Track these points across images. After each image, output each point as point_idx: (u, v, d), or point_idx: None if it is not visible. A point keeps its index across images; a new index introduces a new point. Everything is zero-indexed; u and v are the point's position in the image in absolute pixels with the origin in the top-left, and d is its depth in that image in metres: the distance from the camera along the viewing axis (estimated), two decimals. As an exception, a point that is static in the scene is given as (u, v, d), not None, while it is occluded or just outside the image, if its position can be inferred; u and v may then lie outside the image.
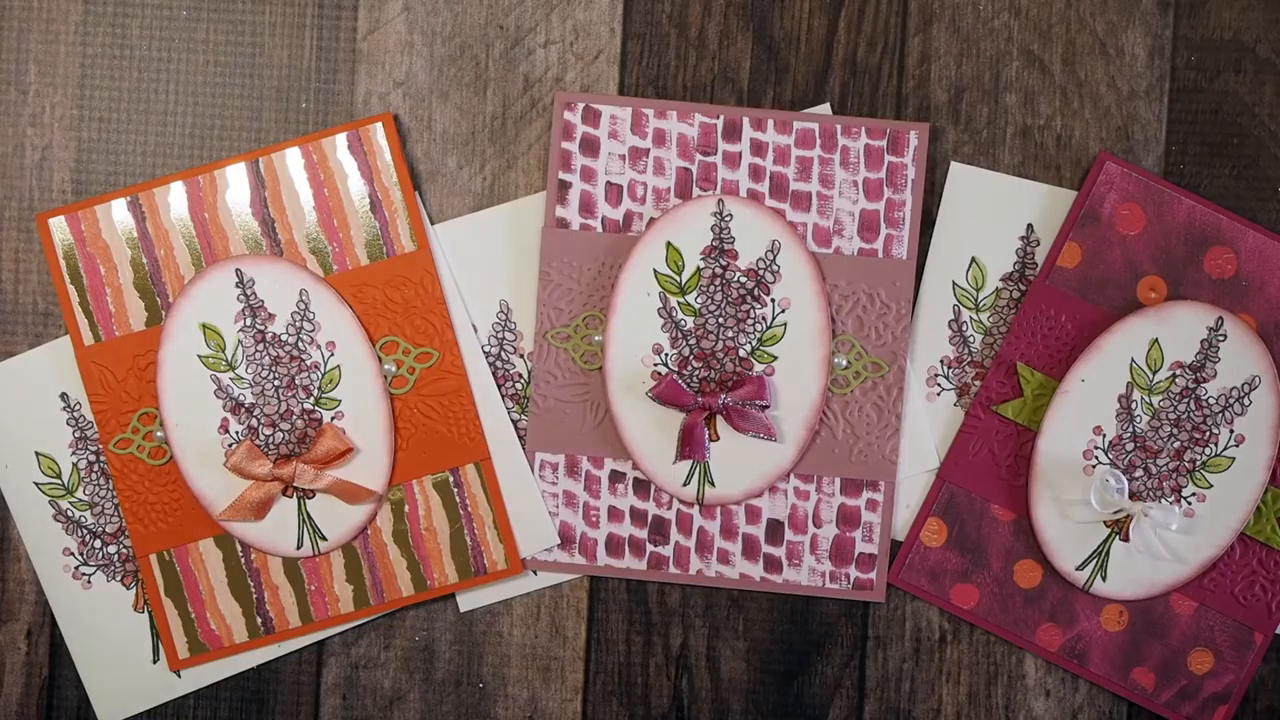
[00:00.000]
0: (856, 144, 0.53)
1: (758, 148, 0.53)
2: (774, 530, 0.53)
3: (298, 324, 0.53)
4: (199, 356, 0.53)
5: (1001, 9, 0.54)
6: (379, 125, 0.53)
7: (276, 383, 0.53)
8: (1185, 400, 0.52)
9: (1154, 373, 0.52)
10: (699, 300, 0.53)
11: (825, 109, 0.53)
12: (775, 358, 0.53)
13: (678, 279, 0.52)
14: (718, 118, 0.53)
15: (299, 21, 0.54)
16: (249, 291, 0.53)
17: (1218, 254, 0.52)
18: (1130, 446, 0.52)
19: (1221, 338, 0.52)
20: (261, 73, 0.54)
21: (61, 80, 0.54)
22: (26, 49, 0.54)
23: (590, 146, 0.53)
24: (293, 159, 0.53)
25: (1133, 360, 0.52)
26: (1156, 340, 0.52)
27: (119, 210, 0.53)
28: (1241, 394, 0.52)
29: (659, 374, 0.53)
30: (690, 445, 0.52)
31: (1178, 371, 0.52)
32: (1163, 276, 0.52)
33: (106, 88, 0.54)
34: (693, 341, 0.53)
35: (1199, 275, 0.52)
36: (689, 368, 0.53)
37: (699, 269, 0.52)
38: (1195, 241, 0.52)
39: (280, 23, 0.54)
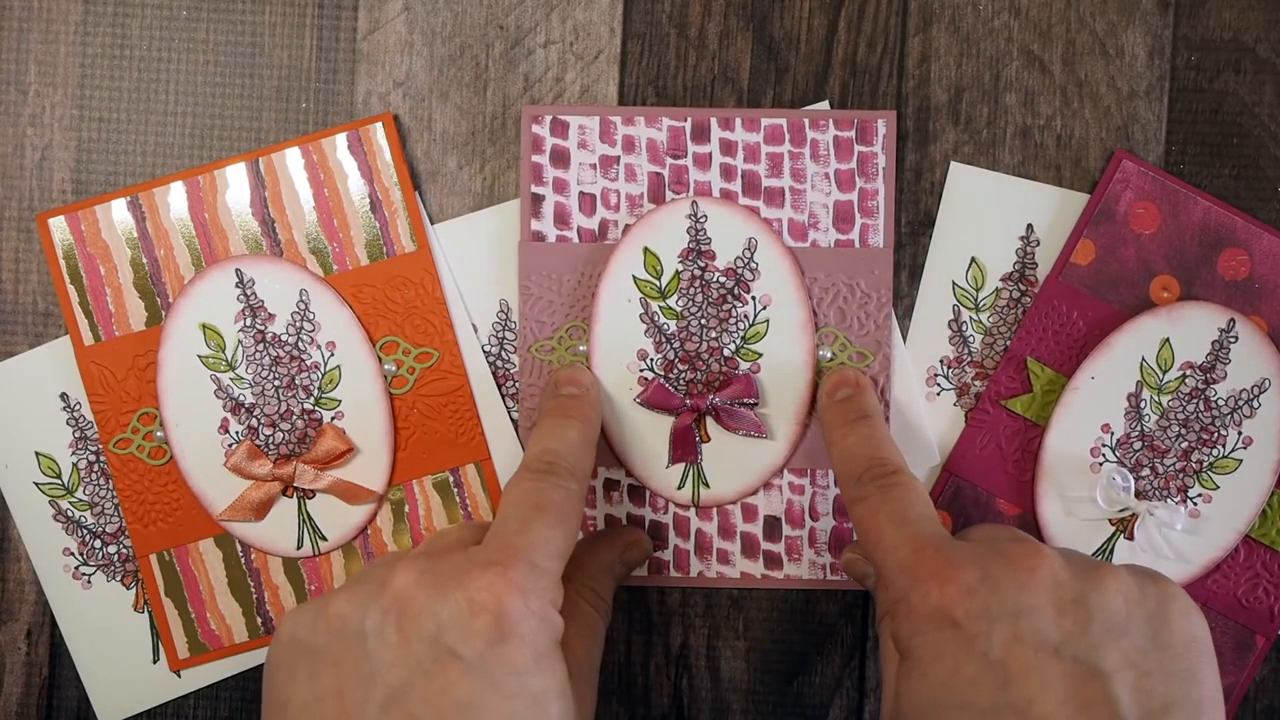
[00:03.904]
0: (825, 136, 0.50)
1: (727, 147, 0.50)
2: (772, 527, 0.51)
3: (298, 324, 0.50)
4: (199, 356, 0.50)
5: (1001, 9, 0.51)
6: (379, 125, 0.51)
7: (276, 383, 0.50)
8: (1194, 401, 0.50)
9: (1164, 372, 0.50)
10: (680, 303, 0.50)
11: (824, 106, 0.51)
12: (760, 355, 0.50)
13: (657, 283, 0.50)
14: (685, 120, 0.50)
15: (299, 21, 0.51)
16: (249, 291, 0.50)
17: (1231, 255, 0.50)
18: (1138, 445, 0.50)
19: (1233, 339, 0.50)
20: (261, 73, 0.51)
21: (61, 80, 0.51)
22: (26, 49, 0.51)
23: (560, 158, 0.51)
24: (293, 159, 0.50)
25: (1143, 359, 0.50)
26: (1168, 340, 0.50)
27: (119, 210, 0.50)
28: (1251, 396, 0.50)
29: (645, 379, 0.50)
30: (682, 448, 0.50)
31: (1188, 372, 0.50)
32: (1176, 276, 0.50)
33: (106, 88, 0.51)
34: (677, 345, 0.50)
35: (1212, 276, 0.50)
36: (675, 371, 0.50)
37: (678, 272, 0.50)
38: (1209, 243, 0.50)
39: (280, 23, 0.51)
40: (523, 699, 0.38)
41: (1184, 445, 0.50)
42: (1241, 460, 0.50)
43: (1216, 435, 0.50)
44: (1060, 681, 0.37)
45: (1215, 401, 0.50)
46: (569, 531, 0.42)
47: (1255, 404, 0.50)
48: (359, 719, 0.38)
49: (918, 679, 0.39)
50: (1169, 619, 0.39)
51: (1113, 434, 0.50)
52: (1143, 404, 0.50)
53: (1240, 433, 0.50)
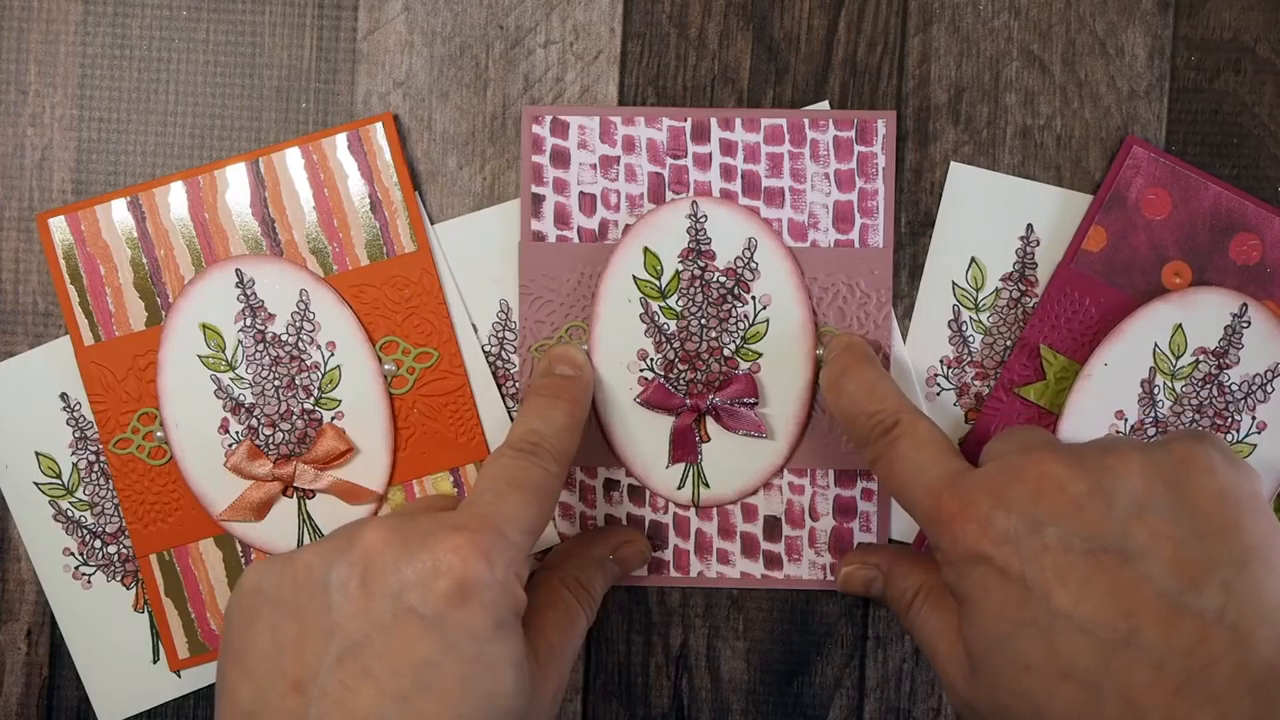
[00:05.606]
0: (824, 136, 0.49)
1: (727, 147, 0.49)
2: (772, 527, 0.50)
3: (298, 324, 0.49)
4: (199, 356, 0.49)
5: (1001, 9, 0.50)
6: (379, 125, 0.49)
7: (276, 383, 0.49)
8: (1208, 386, 0.49)
9: (1177, 358, 0.49)
10: (680, 303, 0.49)
11: (824, 106, 0.50)
12: (760, 354, 0.49)
13: (657, 283, 0.49)
14: (685, 120, 0.49)
15: (299, 21, 0.50)
16: (249, 291, 0.49)
17: (1243, 240, 0.49)
18: (1152, 431, 0.49)
19: (1245, 324, 0.49)
20: (261, 73, 0.50)
21: (61, 80, 0.50)
22: (26, 49, 0.50)
23: (561, 158, 0.50)
24: (293, 159, 0.49)
25: (1156, 345, 0.49)
26: (1180, 325, 0.49)
27: (119, 210, 0.49)
28: (1265, 381, 0.49)
29: (645, 379, 0.49)
30: (681, 448, 0.49)
31: (1201, 357, 0.49)
32: (1187, 262, 0.49)
33: (106, 88, 0.50)
34: (677, 344, 0.49)
35: (1224, 261, 0.49)
36: (675, 371, 0.49)
37: (678, 272, 0.49)
38: (1221, 228, 0.49)
39: (280, 23, 0.50)
40: (478, 664, 0.38)
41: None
42: (1256, 445, 0.49)
43: (1230, 420, 0.49)
44: (1097, 576, 0.37)
45: (1229, 386, 0.49)
46: (543, 511, 0.42)
47: (1269, 388, 0.49)
48: (314, 669, 0.37)
49: (978, 618, 0.39)
50: (1190, 481, 0.38)
51: (1127, 420, 0.49)
52: (1156, 390, 0.49)
53: (1254, 417, 0.49)
